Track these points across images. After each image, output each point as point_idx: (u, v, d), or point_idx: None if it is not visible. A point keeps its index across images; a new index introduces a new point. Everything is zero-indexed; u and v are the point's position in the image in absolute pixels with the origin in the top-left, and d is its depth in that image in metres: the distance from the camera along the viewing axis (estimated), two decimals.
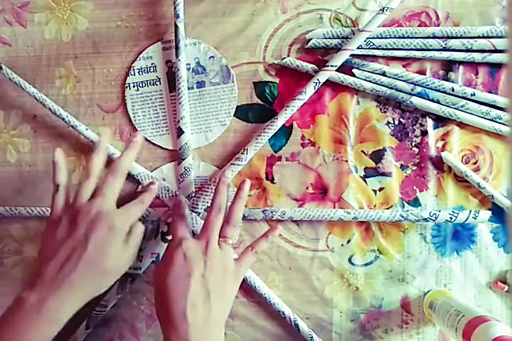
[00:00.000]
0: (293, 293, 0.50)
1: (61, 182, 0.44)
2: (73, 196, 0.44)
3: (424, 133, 0.49)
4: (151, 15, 0.51)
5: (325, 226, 0.50)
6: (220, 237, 0.43)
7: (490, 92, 0.48)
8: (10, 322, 0.39)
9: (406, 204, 0.49)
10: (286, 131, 0.50)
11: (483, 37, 0.48)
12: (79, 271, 0.40)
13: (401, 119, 0.49)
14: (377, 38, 0.48)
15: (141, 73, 0.51)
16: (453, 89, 0.47)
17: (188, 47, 0.50)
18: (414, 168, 0.49)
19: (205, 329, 0.40)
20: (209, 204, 0.50)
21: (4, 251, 0.52)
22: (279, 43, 0.50)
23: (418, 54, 0.48)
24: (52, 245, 0.41)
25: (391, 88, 0.48)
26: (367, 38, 0.48)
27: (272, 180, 0.50)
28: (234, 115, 0.51)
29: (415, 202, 0.49)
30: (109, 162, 0.50)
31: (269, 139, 0.49)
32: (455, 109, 0.48)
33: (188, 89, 0.50)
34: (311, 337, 0.48)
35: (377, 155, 0.50)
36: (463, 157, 0.49)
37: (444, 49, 0.48)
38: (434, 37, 0.48)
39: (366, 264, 0.49)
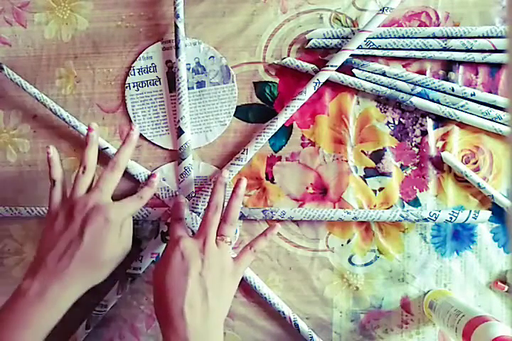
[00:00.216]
0: (293, 293, 0.50)
1: (57, 178, 0.45)
2: (70, 190, 0.44)
3: (424, 133, 0.49)
4: (151, 15, 0.51)
5: (325, 226, 0.50)
6: (217, 236, 0.43)
7: (490, 92, 0.48)
8: (12, 309, 0.40)
9: (406, 204, 0.49)
10: (286, 131, 0.50)
11: (483, 37, 0.48)
12: (76, 262, 0.41)
13: (401, 119, 0.49)
14: (377, 38, 0.48)
15: (141, 73, 0.51)
16: (453, 89, 0.47)
17: (188, 47, 0.50)
18: (414, 168, 0.49)
19: (203, 328, 0.40)
20: None
21: (4, 251, 0.52)
22: (279, 43, 0.50)
23: (418, 54, 0.48)
24: (50, 237, 0.42)
25: (391, 88, 0.48)
26: (367, 38, 0.48)
27: (272, 180, 0.50)
28: (234, 115, 0.51)
29: (415, 202, 0.49)
30: (103, 156, 0.50)
31: (269, 139, 0.49)
32: (455, 109, 0.48)
33: (188, 89, 0.50)
34: (311, 337, 0.48)
35: (377, 155, 0.50)
36: (463, 157, 0.49)
37: (444, 49, 0.48)
38: (434, 37, 0.48)
39: (366, 264, 0.49)
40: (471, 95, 0.47)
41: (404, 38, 0.48)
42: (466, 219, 0.47)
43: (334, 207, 0.50)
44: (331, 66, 0.48)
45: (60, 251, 0.41)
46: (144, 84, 0.51)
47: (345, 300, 0.50)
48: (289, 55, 0.50)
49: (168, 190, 0.50)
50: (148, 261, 0.50)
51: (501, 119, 0.47)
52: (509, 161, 0.44)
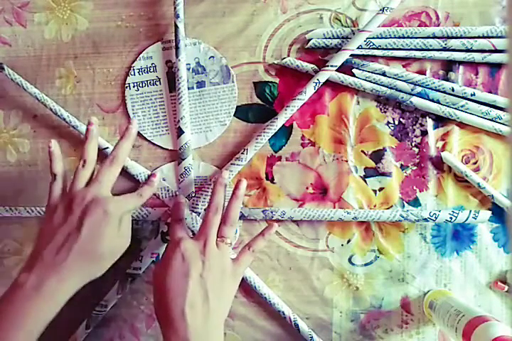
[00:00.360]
0: (293, 293, 0.50)
1: (58, 172, 0.45)
2: (70, 184, 0.44)
3: (424, 133, 0.49)
4: (151, 15, 0.51)
5: (325, 226, 0.50)
6: (217, 237, 0.43)
7: (490, 92, 0.48)
8: (9, 300, 0.40)
9: (406, 204, 0.49)
10: (286, 131, 0.50)
11: (483, 37, 0.48)
12: (74, 255, 0.41)
13: (401, 119, 0.49)
14: (377, 38, 0.48)
15: (141, 73, 0.51)
16: (453, 89, 0.47)
17: (188, 47, 0.50)
18: (414, 167, 0.49)
19: (204, 329, 0.40)
20: None
21: (4, 251, 0.52)
22: (279, 43, 0.50)
23: (418, 54, 0.48)
24: (49, 230, 0.42)
25: (391, 88, 0.48)
26: (367, 38, 0.48)
27: (272, 180, 0.50)
28: (234, 115, 0.51)
29: (415, 202, 0.49)
30: (103, 156, 0.50)
31: (269, 139, 0.49)
32: (455, 109, 0.48)
33: (188, 89, 0.50)
34: (311, 337, 0.48)
35: (377, 155, 0.50)
36: (463, 157, 0.49)
37: (444, 49, 0.48)
38: (434, 37, 0.48)
39: (366, 264, 0.49)
40: (471, 95, 0.47)
41: (404, 37, 0.48)
42: (466, 219, 0.47)
43: (334, 207, 0.50)
44: (331, 66, 0.48)
45: (58, 244, 0.41)
46: (144, 84, 0.51)
47: (345, 300, 0.50)
48: (289, 55, 0.50)
49: (168, 190, 0.50)
50: (149, 261, 0.50)
51: (501, 119, 0.47)
52: (509, 161, 0.44)
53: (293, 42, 0.50)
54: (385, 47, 0.48)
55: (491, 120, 0.47)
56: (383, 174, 0.49)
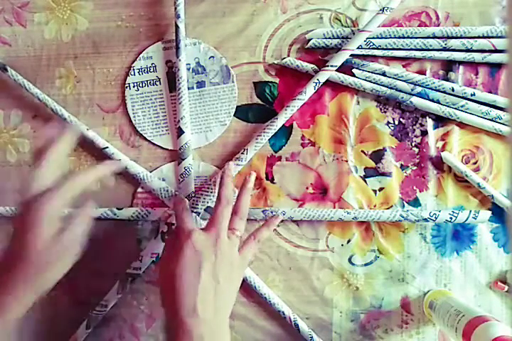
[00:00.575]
0: (293, 293, 0.50)
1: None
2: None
3: (424, 133, 0.49)
4: (151, 16, 0.51)
5: (325, 226, 0.50)
6: (228, 229, 0.43)
7: (490, 92, 0.48)
8: None
9: (406, 204, 0.49)
10: (286, 131, 0.50)
11: (483, 37, 0.48)
12: (9, 265, 0.39)
13: (401, 119, 0.49)
14: (377, 38, 0.48)
15: (141, 73, 0.51)
16: (453, 89, 0.47)
17: (188, 47, 0.50)
18: (414, 168, 0.49)
19: (215, 322, 0.39)
20: (209, 204, 0.50)
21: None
22: (279, 43, 0.50)
23: (418, 54, 0.48)
24: None
25: (391, 88, 0.48)
26: (367, 38, 0.48)
27: (272, 180, 0.50)
28: (234, 115, 0.51)
29: (415, 202, 0.49)
30: (103, 156, 0.50)
31: (269, 139, 0.49)
32: (455, 109, 0.48)
33: (188, 89, 0.50)
34: (311, 337, 0.48)
35: (377, 155, 0.50)
36: (463, 157, 0.49)
37: (444, 49, 0.48)
38: (434, 37, 0.48)
39: (366, 264, 0.49)
40: (471, 95, 0.47)
41: (404, 38, 0.48)
42: (466, 219, 0.47)
43: (334, 207, 0.50)
44: (331, 66, 0.48)
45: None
46: (144, 84, 0.51)
47: (345, 300, 0.50)
48: (289, 55, 0.50)
49: (167, 190, 0.50)
50: (149, 261, 0.50)
51: (501, 119, 0.47)
52: (509, 161, 0.44)
53: (293, 42, 0.50)
54: (385, 47, 0.48)
55: (491, 120, 0.47)
56: (383, 174, 0.49)
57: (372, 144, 0.50)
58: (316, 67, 0.49)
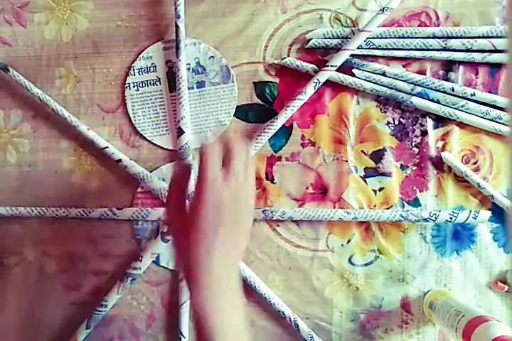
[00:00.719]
0: (293, 293, 0.50)
1: None
2: None
3: (424, 133, 0.49)
4: (152, 16, 0.51)
5: (325, 226, 0.50)
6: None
7: (490, 92, 0.48)
8: None
9: (406, 204, 0.49)
10: (286, 131, 0.50)
11: (483, 37, 0.48)
12: None
13: (401, 119, 0.49)
14: (377, 38, 0.48)
15: (141, 73, 0.51)
16: (453, 89, 0.48)
17: (188, 47, 0.50)
18: (414, 168, 0.49)
19: (227, 276, 0.39)
20: None
21: (4, 251, 0.52)
22: (279, 43, 0.50)
23: (418, 54, 0.48)
24: None
25: (391, 88, 0.48)
26: (367, 38, 0.48)
27: (272, 180, 0.50)
28: (234, 115, 0.51)
29: (415, 202, 0.49)
30: (103, 156, 0.51)
31: (269, 139, 0.49)
32: (455, 109, 0.48)
33: (188, 89, 0.50)
34: (311, 337, 0.48)
35: (377, 155, 0.50)
36: (463, 157, 0.49)
37: (444, 49, 0.48)
38: (434, 37, 0.48)
39: (366, 264, 0.49)
40: (471, 95, 0.47)
41: (404, 38, 0.48)
42: (466, 219, 0.47)
43: (334, 207, 0.50)
44: (331, 66, 0.48)
45: None
46: (144, 84, 0.51)
47: (345, 300, 0.50)
48: (289, 55, 0.50)
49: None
50: (149, 261, 0.50)
51: (501, 119, 0.47)
52: (509, 161, 0.44)
53: (293, 42, 0.50)
54: (385, 47, 0.48)
55: (491, 120, 0.48)
56: (383, 174, 0.49)
57: (372, 144, 0.50)
58: (316, 67, 0.49)
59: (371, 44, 0.48)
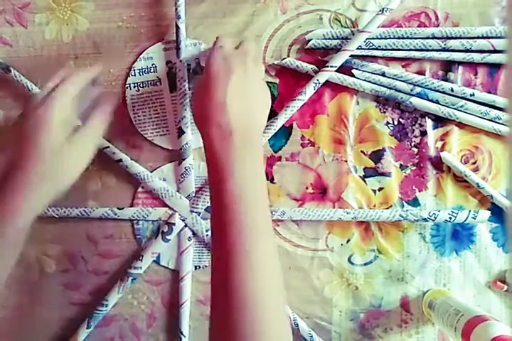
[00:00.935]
0: (293, 293, 0.50)
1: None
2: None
3: (424, 133, 0.49)
4: (152, 16, 0.51)
5: (324, 225, 0.50)
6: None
7: (489, 92, 0.48)
8: None
9: (405, 204, 0.49)
10: (286, 131, 0.50)
11: (483, 37, 0.48)
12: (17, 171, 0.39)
13: (400, 119, 0.50)
14: (377, 38, 0.49)
15: (141, 74, 0.51)
16: (452, 90, 0.48)
17: (189, 48, 0.51)
18: (414, 168, 0.49)
19: (247, 121, 0.39)
20: (209, 204, 0.50)
21: None
22: (279, 44, 0.50)
23: (417, 54, 0.48)
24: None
25: (390, 88, 0.48)
26: (366, 39, 0.48)
27: (272, 180, 0.50)
28: None
29: (414, 202, 0.49)
30: (103, 156, 0.51)
31: (268, 139, 0.50)
32: (454, 109, 0.48)
33: (189, 89, 0.50)
34: (311, 336, 0.49)
35: (377, 155, 0.50)
36: (462, 157, 0.49)
37: (444, 49, 0.48)
38: (434, 37, 0.48)
39: (366, 264, 0.50)
40: (471, 95, 0.47)
41: (403, 38, 0.48)
42: (466, 219, 0.47)
43: (334, 207, 0.50)
44: (331, 66, 0.48)
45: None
46: (144, 85, 0.51)
47: (345, 300, 0.50)
48: (288, 56, 0.50)
49: (168, 190, 0.50)
50: (149, 260, 0.50)
51: (500, 119, 0.47)
52: (508, 161, 0.44)
53: (293, 42, 0.50)
54: (384, 48, 0.49)
55: (490, 120, 0.48)
56: (383, 174, 0.50)
57: (371, 144, 0.50)
58: (315, 68, 0.49)
59: (371, 44, 0.48)
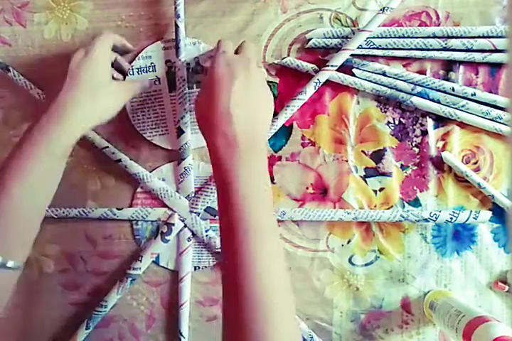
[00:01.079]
0: (293, 294, 0.50)
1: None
2: None
3: (425, 133, 0.49)
4: (151, 15, 0.51)
5: (325, 226, 0.50)
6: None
7: (490, 92, 0.48)
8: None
9: (406, 204, 0.49)
10: (286, 131, 0.50)
11: (484, 37, 0.47)
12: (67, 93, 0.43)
13: (401, 119, 0.49)
14: (378, 37, 0.48)
15: (140, 73, 0.51)
16: (453, 89, 0.47)
17: (188, 47, 0.50)
18: (415, 167, 0.49)
19: (251, 129, 0.39)
20: (209, 205, 0.50)
21: None
22: (279, 43, 0.50)
23: (418, 54, 0.48)
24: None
25: (391, 88, 0.48)
26: (367, 38, 0.48)
27: (272, 180, 0.50)
28: None
29: (415, 202, 0.49)
30: (103, 156, 0.50)
31: (269, 139, 0.49)
32: (455, 108, 0.48)
33: (188, 88, 0.50)
34: (312, 337, 0.48)
35: (378, 155, 0.49)
36: (463, 157, 0.49)
37: (445, 49, 0.48)
38: (435, 37, 0.48)
39: (366, 264, 0.49)
40: (472, 95, 0.47)
41: (404, 37, 0.48)
42: (467, 219, 0.47)
43: (334, 207, 0.49)
44: (331, 66, 0.48)
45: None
46: None
47: (346, 301, 0.50)
48: (289, 55, 0.50)
49: (167, 191, 0.50)
50: (148, 261, 0.50)
51: (502, 119, 0.47)
52: (509, 161, 0.44)
53: (293, 41, 0.50)
54: (385, 47, 0.48)
55: (492, 120, 0.47)
56: (383, 174, 0.49)
57: (372, 144, 0.49)
58: (316, 67, 0.49)
59: (371, 44, 0.48)
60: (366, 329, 0.49)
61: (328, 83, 0.49)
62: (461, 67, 0.49)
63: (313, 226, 0.50)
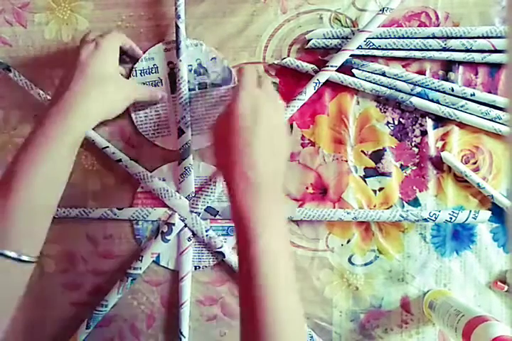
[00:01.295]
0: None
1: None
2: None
3: (424, 133, 0.49)
4: (152, 16, 0.51)
5: (325, 226, 0.50)
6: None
7: (489, 92, 0.48)
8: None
9: (406, 204, 0.49)
10: None
11: (483, 37, 0.48)
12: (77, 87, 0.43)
13: (401, 119, 0.49)
14: (377, 38, 0.48)
15: (143, 74, 0.51)
16: (452, 89, 0.48)
17: (190, 49, 0.50)
18: (414, 167, 0.49)
19: (272, 169, 0.39)
20: (209, 204, 0.50)
21: None
22: (279, 43, 0.50)
23: (418, 54, 0.48)
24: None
25: (391, 88, 0.48)
26: (367, 38, 0.48)
27: None
28: None
29: (415, 202, 0.49)
30: (103, 155, 0.51)
31: None
32: (455, 109, 0.48)
33: (190, 90, 0.50)
34: (311, 336, 0.48)
35: (377, 155, 0.50)
36: (462, 157, 0.49)
37: (444, 49, 0.48)
38: (434, 37, 0.48)
39: (366, 264, 0.50)
40: (471, 95, 0.47)
41: (404, 38, 0.48)
42: (466, 219, 0.47)
43: (334, 207, 0.50)
44: (331, 66, 0.48)
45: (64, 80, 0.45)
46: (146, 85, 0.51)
47: (345, 300, 0.50)
48: (289, 55, 0.50)
49: (167, 190, 0.50)
50: (149, 261, 0.50)
51: (501, 119, 0.47)
52: (509, 161, 0.44)
53: (293, 42, 0.50)
54: (384, 48, 0.49)
55: (491, 120, 0.48)
56: (383, 174, 0.49)
57: (372, 144, 0.50)
58: (316, 67, 0.49)
59: (371, 44, 0.48)
60: (366, 328, 0.50)
61: (327, 83, 0.49)
62: (461, 67, 0.49)
63: (312, 226, 0.50)
